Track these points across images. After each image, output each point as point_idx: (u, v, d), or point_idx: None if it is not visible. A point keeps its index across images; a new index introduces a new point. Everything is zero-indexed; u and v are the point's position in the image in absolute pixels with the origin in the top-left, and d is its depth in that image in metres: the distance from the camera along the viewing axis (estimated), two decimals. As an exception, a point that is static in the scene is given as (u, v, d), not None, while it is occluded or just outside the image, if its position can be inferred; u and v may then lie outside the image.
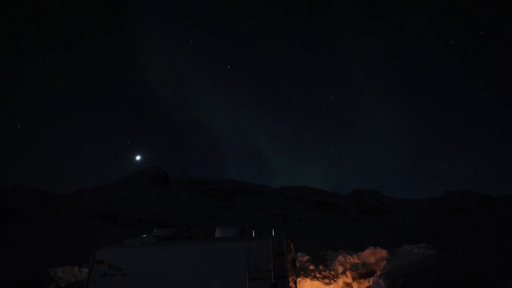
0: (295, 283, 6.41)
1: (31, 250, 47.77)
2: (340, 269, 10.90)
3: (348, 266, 11.02)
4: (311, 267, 11.23)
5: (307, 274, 10.87)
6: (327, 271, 10.90)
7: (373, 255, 11.22)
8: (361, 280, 10.30)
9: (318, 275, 10.78)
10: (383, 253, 11.12)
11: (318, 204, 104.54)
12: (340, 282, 10.55)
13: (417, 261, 9.48)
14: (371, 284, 9.71)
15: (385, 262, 10.52)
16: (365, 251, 11.48)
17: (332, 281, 10.56)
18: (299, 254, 11.95)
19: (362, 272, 10.69)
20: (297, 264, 11.23)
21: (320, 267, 11.18)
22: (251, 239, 5.44)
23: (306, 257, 11.84)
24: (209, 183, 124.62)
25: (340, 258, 11.27)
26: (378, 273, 9.86)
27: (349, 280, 10.54)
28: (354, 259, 11.22)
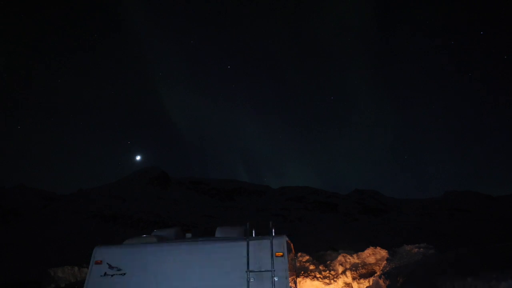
0: (295, 283, 6.42)
1: (31, 250, 47.81)
2: (340, 269, 10.90)
3: (348, 266, 11.02)
4: (311, 267, 11.23)
5: (307, 274, 10.87)
6: (327, 271, 10.90)
7: (373, 255, 11.22)
8: (361, 280, 10.30)
9: (318, 275, 10.78)
10: (383, 253, 11.12)
11: (318, 204, 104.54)
12: (340, 282, 10.55)
13: (417, 261, 9.48)
14: (371, 284, 9.72)
15: (385, 262, 10.52)
16: (365, 251, 11.48)
17: (332, 281, 10.56)
18: (299, 254, 11.95)
19: (362, 272, 10.69)
20: (297, 264, 11.23)
21: (320, 267, 11.17)
22: (251, 239, 5.43)
23: (306, 257, 11.84)
24: (209, 183, 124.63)
25: (340, 258, 11.27)
26: (378, 273, 9.86)
27: (349, 280, 10.54)
28: (354, 259, 11.22)
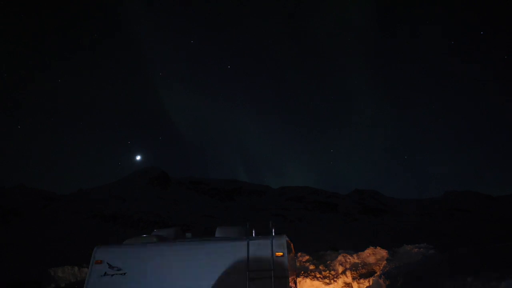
0: (295, 283, 6.42)
1: (31, 250, 47.84)
2: (340, 269, 10.91)
3: (348, 266, 11.02)
4: (311, 267, 11.24)
5: (307, 274, 10.88)
6: (327, 271, 10.91)
7: (373, 255, 11.23)
8: (361, 280, 10.30)
9: (318, 275, 10.79)
10: (383, 253, 11.13)
11: (318, 204, 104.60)
12: (340, 282, 10.55)
13: (417, 261, 9.48)
14: (371, 284, 9.72)
15: (385, 262, 10.53)
16: (365, 251, 11.48)
17: (332, 281, 10.56)
18: (299, 254, 11.96)
19: (362, 272, 10.69)
20: (297, 264, 11.23)
21: (320, 267, 11.19)
22: (251, 239, 5.44)
23: (306, 257, 11.85)
24: (209, 183, 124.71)
25: (340, 258, 11.27)
26: (378, 273, 9.86)
27: (349, 280, 10.55)
28: (354, 259, 11.23)
